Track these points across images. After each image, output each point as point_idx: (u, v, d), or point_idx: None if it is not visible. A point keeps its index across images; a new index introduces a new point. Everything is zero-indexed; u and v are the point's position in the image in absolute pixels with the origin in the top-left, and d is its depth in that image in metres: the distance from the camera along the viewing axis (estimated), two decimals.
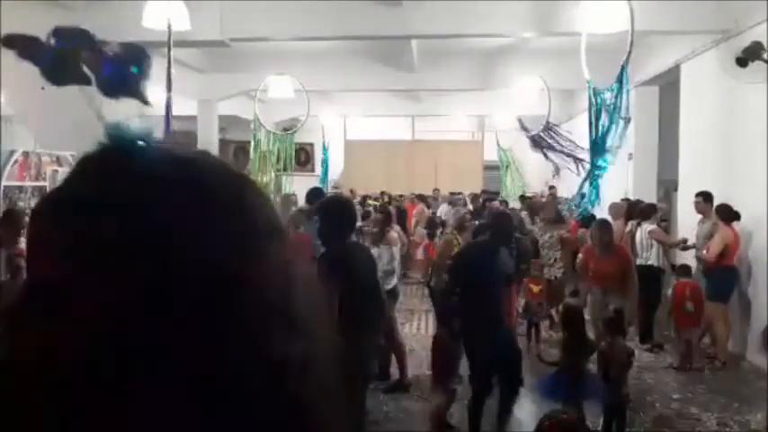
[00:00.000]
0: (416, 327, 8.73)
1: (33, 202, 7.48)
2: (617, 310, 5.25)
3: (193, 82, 11.96)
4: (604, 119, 7.39)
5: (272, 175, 12.90)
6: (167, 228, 0.50)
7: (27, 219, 6.82)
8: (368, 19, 8.64)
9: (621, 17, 6.90)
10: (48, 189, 7.71)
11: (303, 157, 19.55)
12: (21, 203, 7.26)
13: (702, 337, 7.23)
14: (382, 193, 15.42)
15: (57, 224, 0.52)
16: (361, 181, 17.60)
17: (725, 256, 6.90)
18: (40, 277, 0.52)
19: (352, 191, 15.25)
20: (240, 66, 12.17)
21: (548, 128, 12.67)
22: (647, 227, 7.84)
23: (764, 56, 6.85)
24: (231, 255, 0.52)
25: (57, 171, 7.92)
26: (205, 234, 0.51)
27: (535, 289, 7.50)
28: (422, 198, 15.21)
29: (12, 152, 7.24)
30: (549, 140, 12.75)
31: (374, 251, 5.63)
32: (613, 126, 7.26)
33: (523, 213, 10.87)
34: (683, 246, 7.95)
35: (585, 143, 8.36)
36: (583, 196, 8.13)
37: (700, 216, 7.59)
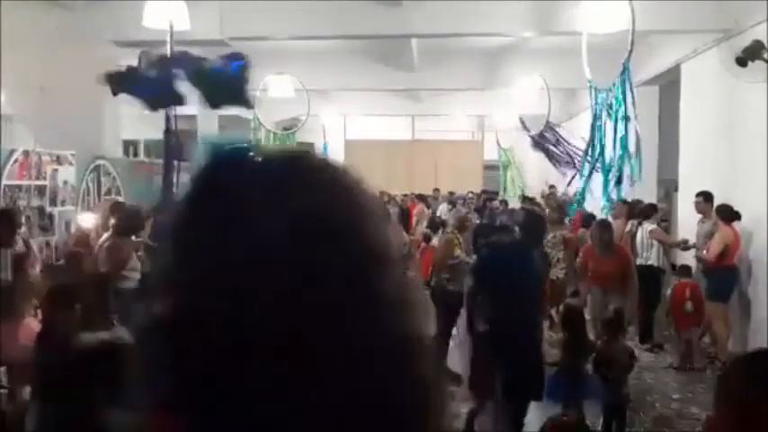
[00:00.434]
0: None
1: (33, 202, 7.47)
2: (617, 311, 5.25)
3: None
4: (605, 118, 7.38)
5: None
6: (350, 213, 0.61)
7: (23, 217, 6.80)
8: (368, 18, 8.65)
9: (622, 17, 6.90)
10: (47, 188, 7.71)
11: None
12: (21, 202, 7.24)
13: (702, 337, 7.23)
14: (382, 192, 15.41)
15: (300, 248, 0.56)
16: None
17: (725, 255, 6.89)
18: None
19: None
20: None
21: (548, 127, 12.66)
22: (648, 227, 7.84)
23: (765, 55, 6.85)
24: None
25: (57, 170, 7.89)
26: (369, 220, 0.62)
27: None
28: (422, 198, 15.21)
29: (12, 151, 7.23)
30: (551, 140, 12.75)
31: None
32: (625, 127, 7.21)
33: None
34: (684, 246, 7.95)
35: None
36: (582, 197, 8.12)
37: (700, 216, 7.58)
